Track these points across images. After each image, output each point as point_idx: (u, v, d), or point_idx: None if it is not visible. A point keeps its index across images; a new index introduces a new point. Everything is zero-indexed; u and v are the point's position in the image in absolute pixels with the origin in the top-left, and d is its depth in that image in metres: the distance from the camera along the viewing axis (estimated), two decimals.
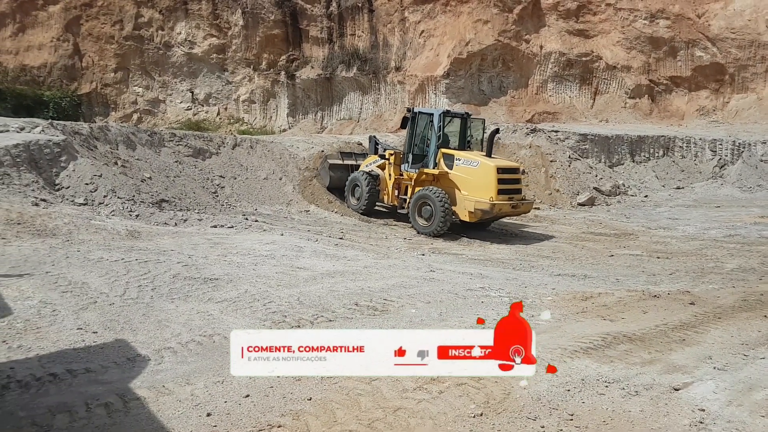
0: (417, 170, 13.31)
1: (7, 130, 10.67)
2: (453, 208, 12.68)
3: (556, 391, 4.39)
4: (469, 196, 12.44)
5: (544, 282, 8.98)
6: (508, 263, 10.99)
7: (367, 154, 15.96)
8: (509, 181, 12.64)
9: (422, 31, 28.67)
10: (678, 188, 19.84)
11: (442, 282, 7.93)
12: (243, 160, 16.75)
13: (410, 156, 13.64)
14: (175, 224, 10.70)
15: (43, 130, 11.07)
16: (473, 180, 12.41)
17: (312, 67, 30.10)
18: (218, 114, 29.83)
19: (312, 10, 29.44)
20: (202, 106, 29.88)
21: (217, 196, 14.96)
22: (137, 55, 29.21)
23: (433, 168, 13.03)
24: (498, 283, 8.43)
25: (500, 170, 12.34)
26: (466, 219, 12.62)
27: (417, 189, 13.25)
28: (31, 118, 16.16)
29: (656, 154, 21.40)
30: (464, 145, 13.66)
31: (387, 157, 14.25)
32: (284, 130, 29.29)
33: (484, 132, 14.15)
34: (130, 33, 28.81)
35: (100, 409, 3.72)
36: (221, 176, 15.82)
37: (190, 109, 29.73)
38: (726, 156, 20.67)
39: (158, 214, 11.08)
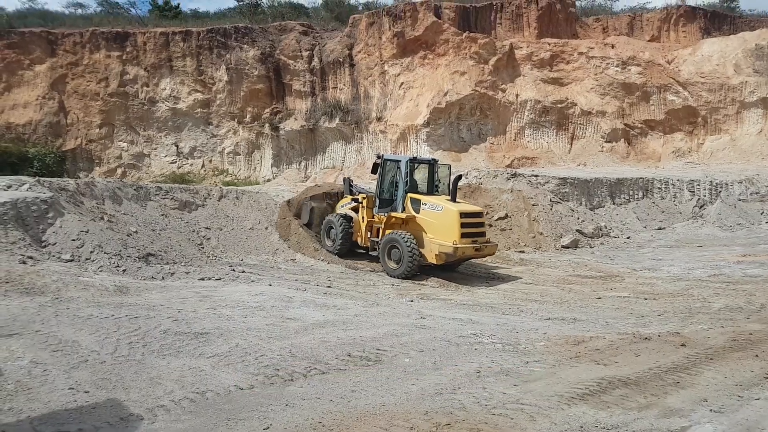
0: (386, 213, 13.77)
1: None
2: (421, 250, 13.08)
3: None
4: (434, 239, 12.85)
5: (535, 326, 8.99)
6: (497, 308, 11.01)
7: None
8: (472, 224, 13.08)
9: (402, 83, 29.47)
10: (660, 229, 20.19)
11: (433, 329, 7.92)
12: (229, 211, 16.78)
13: (379, 200, 14.27)
14: (162, 278, 10.61)
15: (30, 188, 11.05)
16: (438, 224, 12.88)
17: (295, 119, 30.62)
18: (203, 166, 29.99)
19: (295, 65, 30.18)
20: (187, 159, 30.06)
21: (203, 247, 14.90)
22: (122, 111, 29.51)
23: (401, 212, 13.56)
24: (489, 328, 8.44)
25: (463, 215, 12.78)
26: (433, 261, 12.97)
27: (387, 232, 13.67)
28: (16, 175, 16.14)
29: (636, 196, 21.86)
30: (432, 189, 14.26)
31: (360, 200, 14.73)
32: (268, 180, 29.49)
33: (449, 177, 14.57)
34: (116, 90, 29.18)
35: None
36: (207, 228, 15.80)
37: (175, 162, 29.88)
38: (705, 196, 21.21)
39: (145, 268, 11.00)
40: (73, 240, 10.40)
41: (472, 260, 14.46)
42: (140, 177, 28.90)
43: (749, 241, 17.73)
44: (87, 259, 10.14)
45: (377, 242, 13.98)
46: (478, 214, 13.68)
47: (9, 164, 23.28)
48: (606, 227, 20.06)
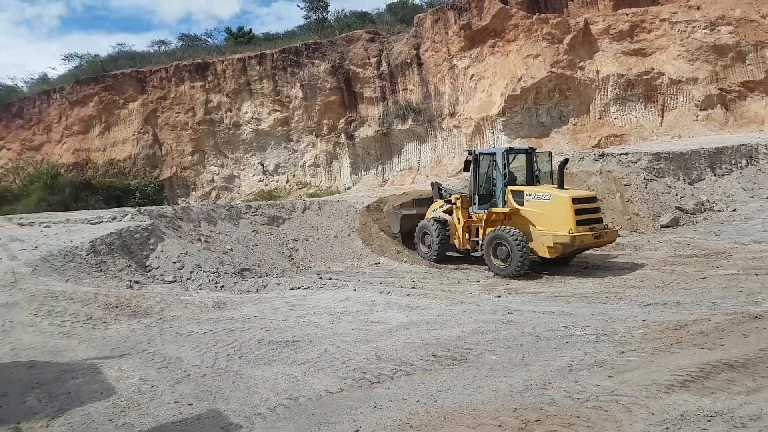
0: (486, 211, 13.11)
1: (101, 221, 11.67)
2: (530, 245, 12.31)
3: (654, 431, 4.15)
4: (545, 231, 12.02)
5: (634, 314, 8.56)
6: (592, 297, 10.58)
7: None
8: (587, 210, 12.15)
9: (472, 75, 29.08)
10: None
11: (521, 324, 7.74)
12: (313, 221, 17.31)
13: (477, 197, 13.53)
14: (257, 291, 11.14)
15: (132, 217, 12.00)
16: (547, 214, 12.03)
17: (369, 125, 31.09)
18: (287, 181, 31.17)
19: (364, 73, 30.64)
20: (273, 176, 31.36)
21: (293, 259, 15.46)
22: (210, 137, 31.33)
23: (503, 206, 12.79)
24: (583, 320, 8.13)
25: (575, 200, 11.90)
26: (546, 255, 12.17)
27: (488, 230, 13.00)
28: (120, 207, 17.57)
29: (739, 164, 20.21)
30: (532, 180, 13.36)
31: (453, 201, 14.19)
32: (348, 188, 30.14)
33: (551, 164, 13.74)
34: (203, 118, 31.03)
35: None
36: (294, 239, 16.38)
37: (262, 180, 31.28)
38: None
39: (241, 282, 11.60)
40: (174, 262, 11.17)
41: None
42: (232, 197, 30.53)
43: None
44: (188, 279, 10.86)
45: (478, 242, 13.42)
46: (592, 199, 12.69)
47: (114, 197, 25.41)
48: (708, 201, 18.70)
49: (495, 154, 13.22)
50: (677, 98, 27.07)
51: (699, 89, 26.46)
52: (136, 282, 9.78)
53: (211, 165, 31.34)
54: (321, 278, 12.90)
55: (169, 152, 30.66)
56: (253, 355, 6.30)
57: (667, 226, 16.96)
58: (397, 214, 16.00)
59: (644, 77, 27.29)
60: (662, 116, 27.24)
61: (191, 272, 11.01)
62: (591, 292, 11.10)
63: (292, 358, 6.19)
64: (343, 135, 31.29)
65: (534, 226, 12.27)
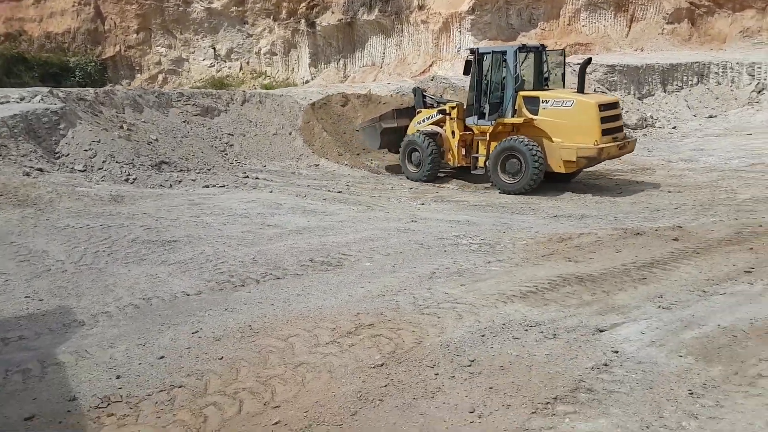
0: (492, 122, 11.42)
1: (8, 101, 11.04)
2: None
3: (470, 338, 4.34)
4: (564, 143, 10.68)
5: (532, 225, 8.77)
6: (508, 207, 10.74)
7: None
8: (611, 118, 10.92)
9: None
10: (710, 117, 18.65)
11: (416, 233, 7.85)
12: (252, 116, 16.77)
13: (481, 106, 11.71)
14: (170, 186, 10.94)
15: (42, 99, 11.38)
16: (569, 123, 10.62)
17: (332, 12, 29.40)
18: (241, 69, 29.82)
19: None
20: (225, 62, 29.90)
21: (226, 154, 15.12)
22: (158, 14, 29.30)
23: (513, 116, 11.24)
24: (480, 230, 8.28)
25: (602, 107, 10.65)
26: (561, 170, 10.98)
27: (493, 144, 11.52)
28: (59, 86, 16.61)
29: (690, 82, 20.06)
30: (541, 83, 11.80)
31: (448, 111, 12.38)
32: (307, 81, 29.08)
33: (564, 64, 12.21)
34: None
35: (17, 375, 3.95)
36: (230, 134, 15.93)
37: (213, 65, 29.83)
38: (765, 80, 19.18)
39: (155, 176, 11.33)
40: (86, 150, 10.79)
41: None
42: (180, 83, 29.20)
43: None
44: (99, 169, 10.55)
45: (478, 158, 11.93)
46: (616, 104, 11.44)
47: (51, 75, 23.97)
48: (652, 117, 18.71)
49: (505, 52, 11.40)
50: (647, 9, 26.21)
51: (670, 1, 25.61)
52: (38, 169, 9.45)
53: (158, 45, 29.57)
54: (247, 177, 12.72)
55: (113, 28, 28.68)
56: (123, 253, 6.27)
57: None
58: (376, 128, 13.87)
59: None
60: (630, 27, 26.48)
61: (103, 162, 10.68)
62: (510, 202, 11.23)
63: (163, 258, 6.19)
64: (303, 21, 29.62)
65: (550, 138, 10.87)
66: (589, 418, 3.23)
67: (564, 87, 12.04)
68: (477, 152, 12.03)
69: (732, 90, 19.66)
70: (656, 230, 7.97)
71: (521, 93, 11.20)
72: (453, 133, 12.37)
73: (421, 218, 9.05)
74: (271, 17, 29.52)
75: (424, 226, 8.43)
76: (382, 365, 3.95)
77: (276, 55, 30.10)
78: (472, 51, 11.97)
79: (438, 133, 12.78)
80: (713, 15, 25.45)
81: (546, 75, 11.87)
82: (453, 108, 12.35)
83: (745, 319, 4.71)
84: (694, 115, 18.91)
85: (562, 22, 26.81)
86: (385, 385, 3.70)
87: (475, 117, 11.80)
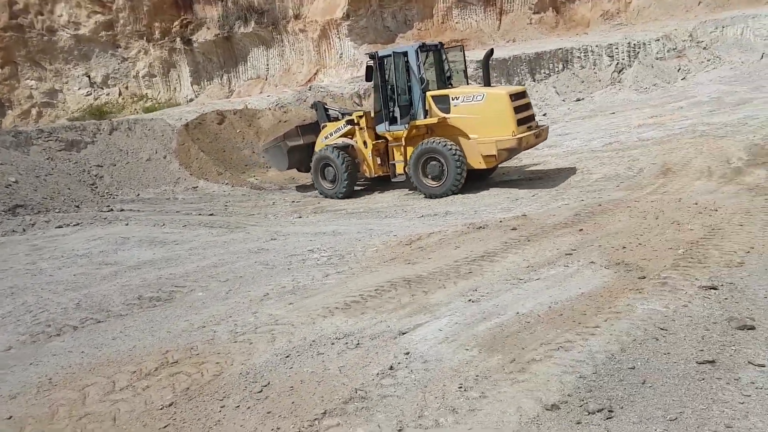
0: (406, 126, 11.14)
1: None
2: None
3: (273, 361, 4.26)
4: (482, 138, 10.50)
5: (394, 229, 8.86)
6: (383, 211, 10.87)
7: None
8: (523, 107, 10.83)
9: None
10: (578, 100, 19.79)
11: (268, 252, 7.72)
12: (122, 144, 16.08)
13: (390, 112, 11.33)
14: (23, 230, 10.27)
15: None
16: (482, 118, 10.45)
17: (208, 28, 28.75)
18: (120, 94, 28.53)
19: None
20: (102, 88, 28.50)
21: (96, 187, 14.42)
22: (21, 45, 27.47)
23: (425, 117, 10.96)
24: (339, 240, 8.26)
25: (513, 97, 10.52)
26: (482, 166, 10.86)
27: (410, 149, 11.28)
28: None
29: (556, 69, 21.21)
30: (444, 81, 11.67)
31: (356, 121, 11.95)
32: (191, 100, 28.27)
33: (465, 60, 12.11)
34: (8, 23, 26.95)
35: None
36: (99, 166, 15.21)
37: (90, 94, 28.36)
38: (623, 60, 20.60)
39: (7, 222, 10.65)
40: None
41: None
42: (57, 115, 27.56)
43: (661, 101, 17.45)
44: None
45: (395, 165, 11.68)
46: (524, 94, 11.28)
47: None
48: None
49: (406, 53, 11.04)
50: (513, 1, 27.48)
51: None
52: None
53: (27, 78, 27.73)
54: (111, 210, 12.14)
55: None
56: None
57: None
58: (281, 147, 13.27)
59: None
60: (500, 20, 27.66)
61: None
62: (386, 206, 11.39)
63: None
64: (178, 39, 28.76)
65: (466, 135, 10.71)
66: (350, 427, 3.25)
67: (468, 83, 12.08)
68: (394, 159, 11.71)
69: (595, 72, 20.97)
70: (500, 222, 8.27)
71: (429, 93, 10.93)
72: (365, 143, 11.99)
73: (283, 235, 8.95)
74: (144, 38, 28.45)
75: (282, 243, 8.33)
76: (171, 405, 3.81)
77: (155, 76, 29.06)
78: (371, 56, 11.55)
79: (349, 145, 12.30)
80: (575, 1, 27.08)
81: (448, 73, 11.83)
82: (361, 117, 11.96)
83: (546, 303, 4.93)
84: (563, 100, 19.99)
85: (436, 21, 27.63)
86: (165, 426, 3.57)
87: (386, 123, 11.43)
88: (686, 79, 18.92)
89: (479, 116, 10.53)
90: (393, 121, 11.38)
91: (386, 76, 11.34)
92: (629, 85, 19.45)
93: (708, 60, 19.48)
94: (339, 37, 27.28)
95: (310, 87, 20.72)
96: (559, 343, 4.12)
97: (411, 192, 11.76)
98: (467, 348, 4.15)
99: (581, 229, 7.37)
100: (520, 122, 10.46)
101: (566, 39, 24.20)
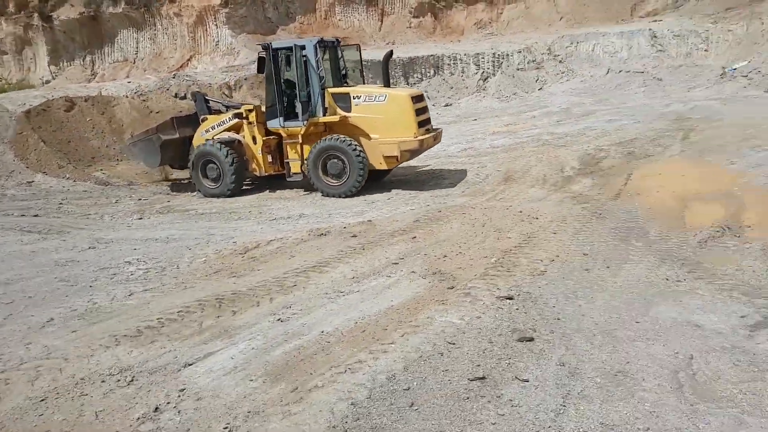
0: (304, 123, 10.72)
1: None
2: None
3: (25, 406, 3.73)
4: (383, 138, 10.43)
5: (236, 235, 8.49)
6: (236, 213, 10.38)
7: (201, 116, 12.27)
8: (422, 110, 10.86)
9: None
10: (447, 106, 20.47)
11: (77, 264, 6.95)
12: None
13: (285, 107, 10.91)
14: None
15: None
16: (384, 118, 10.39)
17: (71, 5, 26.44)
18: None
19: None
20: None
21: None
22: None
23: (324, 115, 10.62)
24: (169, 248, 7.72)
25: (414, 99, 10.54)
26: (383, 167, 10.74)
27: (307, 147, 10.91)
28: None
29: (428, 74, 21.79)
30: (340, 81, 11.33)
31: (245, 114, 11.30)
32: (47, 81, 25.79)
33: (362, 61, 11.87)
34: None
35: None
36: None
37: None
38: (488, 69, 21.59)
39: None
40: None
41: None
42: None
43: (518, 110, 18.52)
44: None
45: (290, 163, 11.13)
46: (423, 97, 11.32)
47: None
48: None
49: (304, 47, 10.58)
50: (394, 4, 27.95)
51: None
52: None
53: None
54: None
55: None
56: None
57: None
58: (153, 141, 11.98)
59: None
60: (381, 21, 28.00)
61: None
62: (242, 206, 10.88)
63: None
64: (36, 15, 26.16)
65: (366, 135, 10.56)
66: None
67: (364, 83, 11.86)
68: (288, 157, 11.16)
69: (463, 80, 21.82)
70: (344, 228, 8.23)
71: (330, 90, 10.61)
72: (254, 138, 11.32)
73: (105, 242, 8.20)
74: None
75: (99, 253, 7.59)
76: None
77: (6, 54, 26.27)
78: (264, 47, 10.91)
79: (236, 140, 11.48)
80: (451, 9, 28.05)
81: (344, 71, 11.52)
82: (250, 111, 11.28)
83: (354, 319, 4.91)
84: (434, 105, 20.54)
85: (319, 16, 27.44)
86: None
87: (281, 119, 10.88)
88: (543, 90, 20.24)
89: (381, 116, 10.45)
90: (288, 117, 10.96)
91: (280, 70, 10.91)
92: (492, 93, 20.44)
93: (562, 72, 20.97)
94: (216, 24, 26.24)
95: (174, 75, 19.60)
96: (348, 365, 4.09)
97: (307, 192, 11.31)
98: (252, 378, 3.96)
99: (414, 237, 7.52)
100: (420, 124, 10.55)
101: (441, 45, 24.99)
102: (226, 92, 18.21)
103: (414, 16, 27.76)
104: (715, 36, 20.89)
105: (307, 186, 11.26)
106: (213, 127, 11.73)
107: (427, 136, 10.66)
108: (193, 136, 12.08)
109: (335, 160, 10.60)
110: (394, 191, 10.82)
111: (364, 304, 5.27)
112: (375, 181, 11.10)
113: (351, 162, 10.46)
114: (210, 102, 12.64)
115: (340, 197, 10.58)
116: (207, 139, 11.58)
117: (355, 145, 10.46)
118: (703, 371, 3.73)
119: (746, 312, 4.61)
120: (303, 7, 27.63)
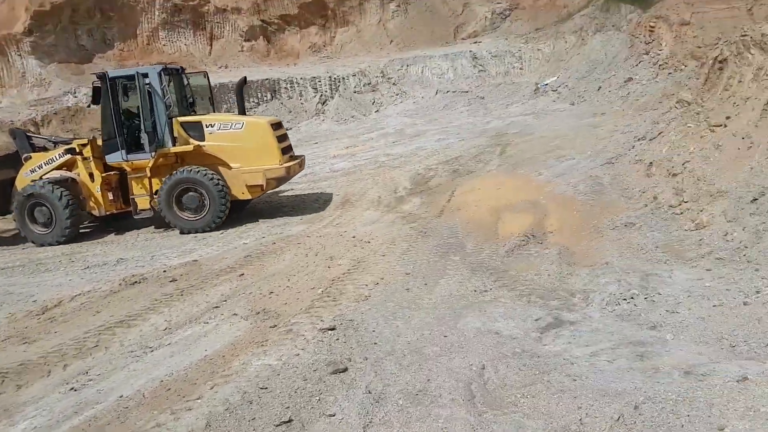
0: (152, 155, 9.97)
1: None
2: None
3: None
4: (245, 167, 10.03)
5: (37, 291, 7.51)
6: (44, 264, 9.20)
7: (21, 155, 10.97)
8: (283, 137, 10.63)
9: None
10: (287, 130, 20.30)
11: None
12: None
13: (127, 140, 10.10)
14: None
15: None
16: (244, 146, 10.02)
17: None
18: None
19: None
20: None
21: None
22: None
23: (174, 144, 9.99)
24: None
25: (275, 126, 10.32)
26: (246, 196, 10.35)
27: (156, 180, 10.18)
28: None
29: (265, 98, 21.51)
30: (187, 109, 10.85)
31: (78, 150, 10.33)
32: None
33: (211, 89, 11.43)
34: None
35: None
36: None
37: None
38: (326, 92, 21.86)
39: None
40: None
41: None
42: None
43: (357, 132, 18.92)
44: None
45: (136, 199, 10.26)
46: (281, 124, 11.14)
47: None
48: None
49: (147, 74, 9.95)
50: (224, 27, 27.29)
51: (243, 19, 27.15)
52: None
53: None
54: None
55: None
56: None
57: None
58: None
59: (191, 3, 26.53)
60: (211, 45, 27.20)
61: None
62: (51, 255, 9.74)
63: None
64: None
65: (226, 164, 10.07)
66: None
67: (215, 110, 11.33)
68: (134, 194, 10.29)
69: (302, 103, 21.85)
70: (164, 271, 7.67)
71: (179, 119, 10.03)
72: (91, 175, 10.38)
73: None
74: None
75: None
76: None
77: None
78: (99, 76, 10.14)
79: (69, 178, 10.48)
80: (284, 32, 28.02)
81: (191, 98, 11.05)
82: (84, 146, 10.34)
83: (160, 377, 4.53)
84: None
85: (141, 42, 25.98)
86: None
87: (123, 152, 10.08)
88: (379, 112, 20.94)
89: (240, 144, 10.08)
90: (131, 149, 10.18)
91: (118, 100, 10.10)
92: (331, 117, 20.71)
93: (396, 95, 21.88)
94: (20, 55, 23.64)
95: None
96: (145, 431, 3.68)
97: (160, 230, 10.41)
98: None
99: (242, 274, 7.23)
100: (283, 151, 10.37)
101: (276, 69, 24.84)
102: (32, 129, 16.35)
103: (245, 40, 27.32)
104: (528, 55, 23.11)
105: (160, 222, 10.48)
106: (40, 166, 10.63)
107: (292, 163, 10.52)
108: (14, 178, 10.80)
109: (192, 193, 10.04)
110: (228, 225, 10.36)
111: (174, 358, 4.87)
112: (236, 212, 10.63)
113: (210, 194, 9.96)
114: (33, 138, 11.47)
115: (198, 232, 10.05)
116: (33, 180, 10.45)
117: (213, 175, 9.99)
118: (492, 380, 3.92)
119: (540, 315, 4.97)
120: (122, 33, 25.97)
